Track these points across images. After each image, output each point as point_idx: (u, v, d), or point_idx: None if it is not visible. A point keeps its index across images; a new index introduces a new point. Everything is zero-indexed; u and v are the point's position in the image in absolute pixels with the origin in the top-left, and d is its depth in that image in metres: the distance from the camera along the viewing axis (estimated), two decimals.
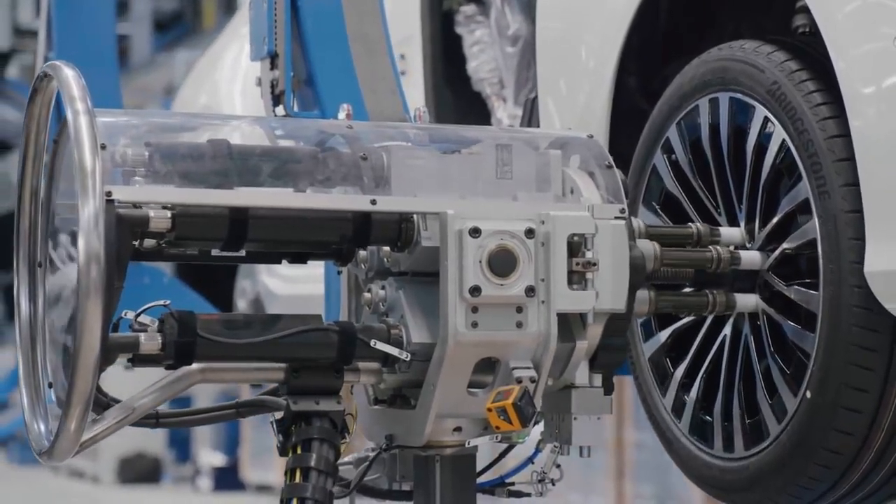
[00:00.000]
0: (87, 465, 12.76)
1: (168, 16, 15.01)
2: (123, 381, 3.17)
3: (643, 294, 2.85)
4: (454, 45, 3.90)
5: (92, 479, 12.73)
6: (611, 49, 3.19)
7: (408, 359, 2.65)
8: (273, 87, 3.25)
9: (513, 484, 2.91)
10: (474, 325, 2.62)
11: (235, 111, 4.72)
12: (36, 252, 2.76)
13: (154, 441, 12.51)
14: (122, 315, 2.59)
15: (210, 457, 12.13)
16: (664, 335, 3.15)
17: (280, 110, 3.25)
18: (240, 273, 4.98)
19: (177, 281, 4.56)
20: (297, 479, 2.61)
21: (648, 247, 2.84)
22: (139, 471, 12.52)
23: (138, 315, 2.59)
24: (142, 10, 14.60)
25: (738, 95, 2.95)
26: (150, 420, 2.69)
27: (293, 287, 4.49)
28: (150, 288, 4.11)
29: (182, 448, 12.62)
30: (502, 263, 2.62)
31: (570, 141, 2.86)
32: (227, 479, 11.77)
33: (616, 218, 2.72)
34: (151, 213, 2.55)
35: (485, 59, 3.80)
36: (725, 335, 3.00)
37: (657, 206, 3.15)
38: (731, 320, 2.99)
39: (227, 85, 4.95)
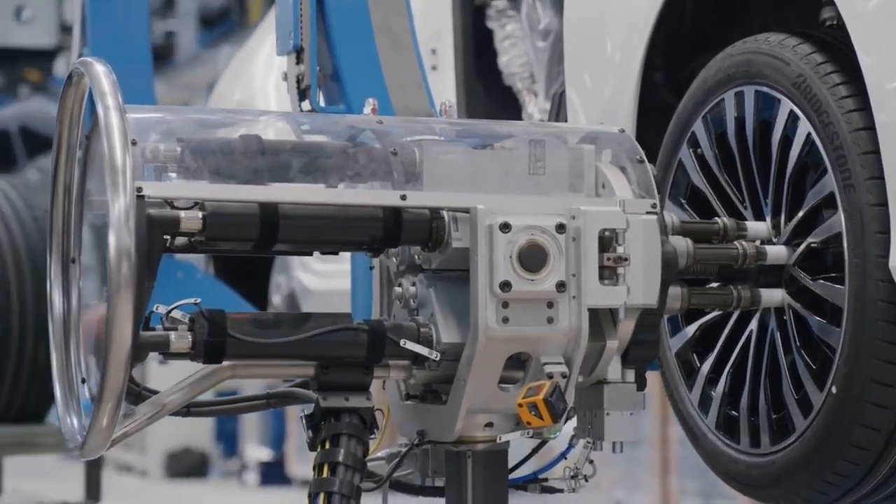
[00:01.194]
0: (136, 460, 12.84)
1: (215, 12, 15.08)
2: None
3: (675, 290, 2.83)
4: (485, 39, 3.90)
5: (140, 473, 12.81)
6: (637, 43, 3.19)
7: (437, 358, 2.65)
8: (299, 81, 3.25)
9: (546, 480, 2.90)
10: (505, 320, 2.61)
11: (269, 106, 4.73)
12: (69, 248, 2.77)
13: (201, 436, 12.58)
14: (154, 309, 2.60)
15: (256, 452, 12.19)
16: (690, 329, 3.14)
17: (306, 105, 3.25)
18: (275, 268, 4.99)
19: (210, 276, 4.57)
20: (325, 473, 2.61)
21: (681, 243, 2.83)
22: (186, 465, 12.60)
23: (169, 311, 2.59)
24: (188, 6, 14.67)
25: (764, 89, 2.93)
26: (183, 409, 2.70)
27: (327, 283, 4.49)
28: (184, 283, 4.12)
29: (229, 443, 12.69)
30: (533, 258, 2.62)
31: (601, 135, 2.85)
32: (274, 473, 11.83)
33: (648, 213, 2.71)
34: (182, 214, 2.55)
35: (516, 54, 3.79)
36: (752, 330, 2.99)
37: (683, 201, 3.14)
38: (757, 315, 2.98)
39: (261, 80, 4.96)
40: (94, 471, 5.18)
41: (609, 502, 9.07)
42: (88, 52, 4.27)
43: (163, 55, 14.08)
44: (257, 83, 5.01)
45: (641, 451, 8.85)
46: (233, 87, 5.32)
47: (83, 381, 2.71)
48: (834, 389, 2.78)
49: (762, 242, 2.92)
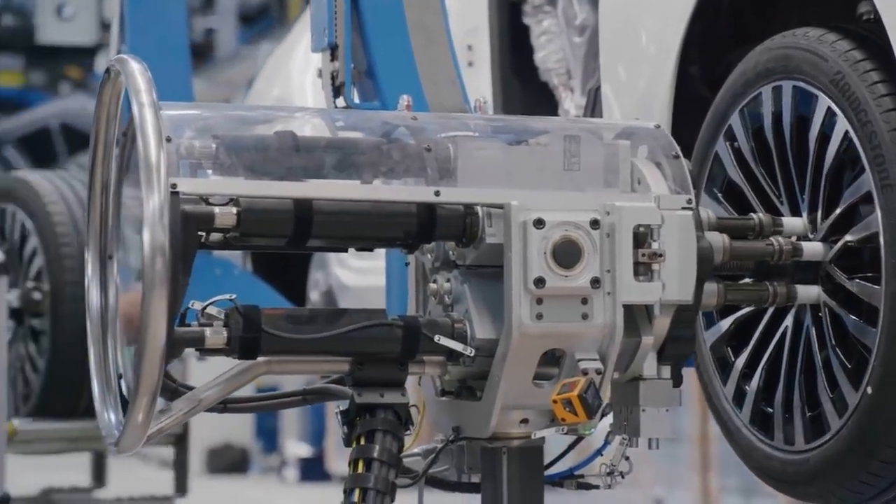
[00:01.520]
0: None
1: (254, 9, 15.13)
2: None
3: (711, 286, 2.82)
4: (521, 35, 3.89)
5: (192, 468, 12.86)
6: (673, 37, 3.17)
7: (472, 354, 2.65)
8: (333, 78, 3.25)
9: (582, 476, 2.89)
10: (539, 316, 2.61)
11: (307, 103, 4.73)
12: (106, 244, 2.78)
13: (242, 432, 12.62)
14: (190, 305, 2.61)
15: (296, 448, 12.23)
16: (725, 324, 3.13)
17: (340, 102, 3.25)
18: (312, 265, 5.00)
19: (248, 273, 4.58)
20: (360, 469, 2.61)
21: (717, 238, 2.81)
22: (227, 461, 12.65)
23: (205, 307, 2.60)
24: (227, 3, 14.73)
25: (802, 84, 2.92)
26: (219, 406, 2.71)
27: (364, 279, 4.49)
28: (221, 279, 4.13)
29: (269, 439, 12.73)
30: (567, 254, 2.61)
31: (637, 131, 2.84)
32: (313, 469, 11.87)
33: (683, 209, 2.69)
34: (217, 210, 2.56)
35: (552, 50, 3.79)
36: (787, 326, 2.97)
37: (719, 194, 3.12)
38: (792, 311, 2.96)
39: (299, 77, 4.96)
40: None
41: (648, 500, 9.05)
42: (127, 49, 4.28)
43: (203, 52, 14.13)
44: (295, 80, 5.02)
45: (681, 448, 8.83)
46: (271, 84, 5.33)
47: (120, 376, 2.72)
48: (869, 390, 2.76)
49: (798, 239, 2.90)
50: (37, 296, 4.71)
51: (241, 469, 12.63)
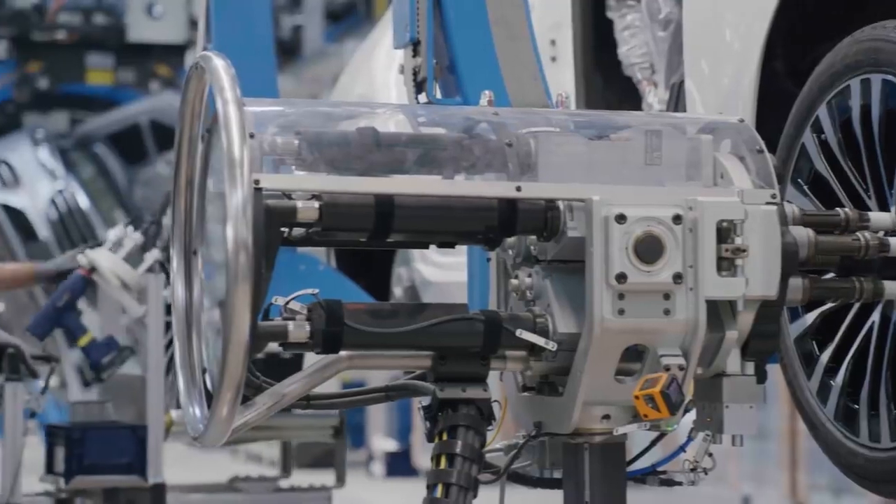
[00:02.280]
0: (265, 450, 12.98)
1: (341, 6, 15.20)
2: None
3: (796, 281, 2.79)
4: (605, 30, 3.88)
5: (269, 463, 12.95)
6: (758, 31, 3.15)
7: (554, 349, 2.64)
8: (415, 74, 3.26)
9: (664, 472, 2.88)
10: (621, 312, 2.60)
11: (390, 99, 4.75)
12: (191, 240, 2.81)
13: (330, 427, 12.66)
14: (273, 301, 2.63)
15: (383, 443, 12.27)
16: (810, 317, 3.10)
17: (422, 97, 3.26)
18: (396, 261, 5.02)
19: (331, 269, 4.60)
20: (443, 464, 2.62)
21: (802, 233, 2.79)
22: (315, 456, 12.70)
23: (288, 302, 2.62)
24: (315, 1, 14.81)
25: (891, 77, 2.88)
26: (302, 402, 2.72)
27: (447, 274, 4.50)
28: (306, 276, 4.15)
29: (356, 434, 12.78)
30: (649, 250, 2.60)
31: (720, 125, 2.83)
32: (400, 464, 11.90)
33: (767, 203, 2.67)
34: (299, 205, 2.57)
35: (636, 44, 3.77)
36: (874, 321, 2.94)
37: (805, 187, 3.09)
38: (879, 306, 2.92)
39: (382, 74, 4.98)
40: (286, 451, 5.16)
41: (736, 497, 8.99)
42: (213, 47, 4.32)
43: (290, 50, 14.21)
44: (378, 77, 5.04)
45: (769, 444, 8.76)
46: (354, 81, 5.35)
47: (205, 371, 2.74)
48: None
49: (886, 233, 2.87)
50: None
51: (329, 464, 12.70)
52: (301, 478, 5.44)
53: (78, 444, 4.25)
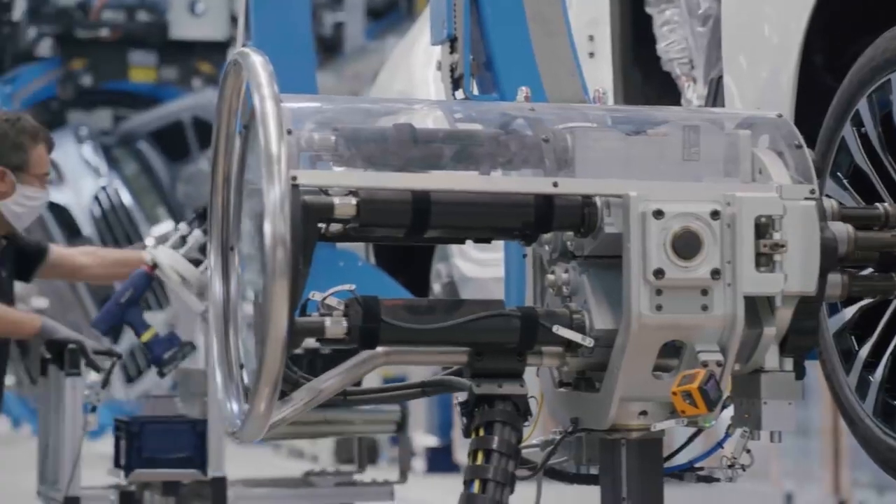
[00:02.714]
0: (306, 446, 13.04)
1: (382, 3, 15.22)
2: None
3: (835, 277, 2.78)
4: (643, 25, 3.86)
5: (311, 458, 13.01)
6: (796, 25, 3.13)
7: (590, 345, 2.64)
8: (452, 70, 3.25)
9: (702, 469, 2.87)
10: (658, 307, 2.59)
11: (429, 96, 4.75)
12: (228, 235, 2.82)
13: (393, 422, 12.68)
14: (310, 297, 2.63)
15: (424, 439, 12.28)
16: (849, 312, 3.08)
17: (459, 94, 3.26)
18: (435, 257, 5.02)
19: (371, 265, 4.60)
20: (480, 460, 2.62)
21: (842, 229, 2.78)
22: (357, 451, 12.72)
23: (325, 298, 2.62)
24: None
25: None
26: (339, 397, 2.73)
27: (485, 271, 4.50)
28: (345, 272, 4.15)
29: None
30: (686, 245, 2.60)
31: (758, 120, 2.82)
32: (441, 460, 11.90)
33: (806, 199, 2.66)
34: (336, 201, 2.57)
35: (674, 39, 3.75)
36: None
37: (844, 181, 3.08)
38: None
39: (421, 70, 4.98)
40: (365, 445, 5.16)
41: (779, 494, 8.95)
42: (252, 43, 4.33)
43: (331, 46, 14.24)
44: (417, 74, 5.03)
45: (812, 441, 8.72)
46: (393, 77, 5.36)
47: (242, 366, 2.75)
48: None
49: None
50: None
51: (370, 460, 12.73)
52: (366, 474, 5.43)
53: (137, 438, 4.29)
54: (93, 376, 4.33)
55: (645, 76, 3.89)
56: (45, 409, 4.44)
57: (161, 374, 4.58)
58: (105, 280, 5.18)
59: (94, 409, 4.25)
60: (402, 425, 4.88)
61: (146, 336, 4.47)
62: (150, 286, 4.54)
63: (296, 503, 4.80)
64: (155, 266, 4.45)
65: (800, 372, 2.72)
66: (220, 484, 4.22)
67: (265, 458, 13.06)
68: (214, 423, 4.16)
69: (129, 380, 9.93)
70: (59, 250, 4.63)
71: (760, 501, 8.88)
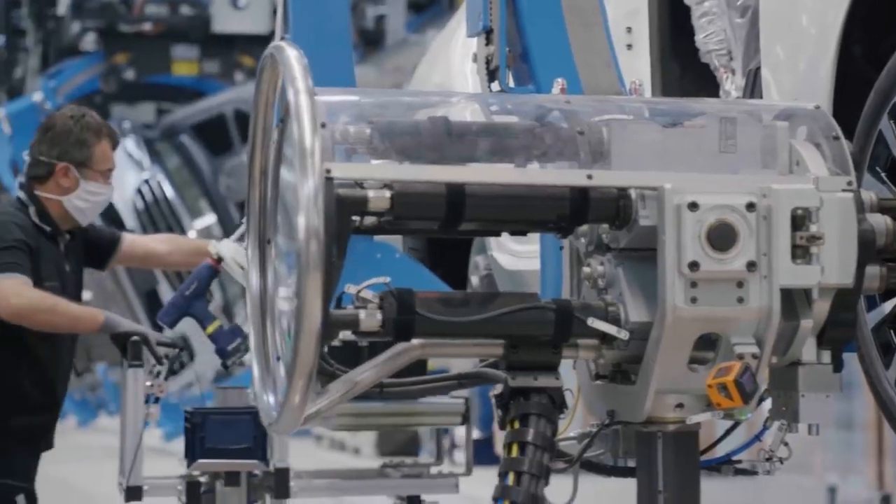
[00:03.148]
0: (348, 438, 13.08)
1: None
2: None
3: (874, 269, 2.76)
4: (682, 16, 3.84)
5: (353, 450, 13.05)
6: (835, 16, 3.11)
7: (626, 337, 2.63)
8: (488, 62, 3.25)
9: (739, 462, 2.86)
10: (693, 300, 2.59)
11: (467, 89, 4.74)
12: (265, 229, 2.83)
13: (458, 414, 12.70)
14: (345, 290, 2.63)
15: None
16: (888, 306, 3.05)
17: (495, 86, 3.25)
18: (473, 249, 5.01)
19: (408, 257, 4.60)
20: (514, 453, 2.62)
21: (880, 221, 2.76)
22: (398, 443, 12.76)
23: (359, 291, 2.62)
24: None
25: None
26: (375, 390, 2.73)
27: (523, 263, 4.49)
28: (382, 264, 4.15)
29: None
30: (722, 238, 2.59)
31: (796, 112, 2.80)
32: (483, 452, 11.87)
33: (843, 190, 2.65)
34: (371, 194, 2.58)
35: (713, 31, 3.73)
36: None
37: (882, 173, 3.05)
38: None
39: (459, 63, 4.97)
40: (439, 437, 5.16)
41: (822, 487, 8.91)
42: (290, 37, 4.33)
43: (373, 40, 14.25)
44: (456, 66, 5.03)
45: (855, 434, 8.67)
46: (432, 70, 5.35)
47: (278, 358, 2.76)
48: None
49: None
50: None
51: (412, 451, 12.75)
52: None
53: (199, 429, 4.31)
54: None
55: (683, 68, 3.87)
56: (124, 402, 4.47)
57: (225, 367, 4.61)
58: (182, 267, 5.22)
59: (156, 401, 4.28)
60: (466, 417, 4.88)
61: (211, 328, 4.49)
62: (214, 279, 4.56)
63: (360, 494, 4.82)
64: (220, 259, 4.48)
65: (837, 364, 2.71)
66: (283, 475, 4.24)
67: (307, 450, 13.12)
68: None
69: (173, 373, 9.97)
70: (132, 238, 4.67)
71: (803, 495, 8.84)
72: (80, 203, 4.28)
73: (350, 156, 2.65)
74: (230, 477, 4.29)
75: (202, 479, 4.29)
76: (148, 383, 4.24)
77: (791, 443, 2.77)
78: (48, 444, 4.28)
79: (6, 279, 4.07)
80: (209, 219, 11.35)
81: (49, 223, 4.24)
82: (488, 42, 3.27)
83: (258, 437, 4.24)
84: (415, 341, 2.65)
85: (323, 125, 2.55)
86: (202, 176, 11.40)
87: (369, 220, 2.63)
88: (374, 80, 12.86)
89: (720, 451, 2.94)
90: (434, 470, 4.69)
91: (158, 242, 4.84)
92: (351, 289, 2.62)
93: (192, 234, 10.56)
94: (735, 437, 2.90)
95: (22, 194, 4.29)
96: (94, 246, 4.46)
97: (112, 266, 4.70)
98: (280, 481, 4.21)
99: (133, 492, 4.19)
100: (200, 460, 4.23)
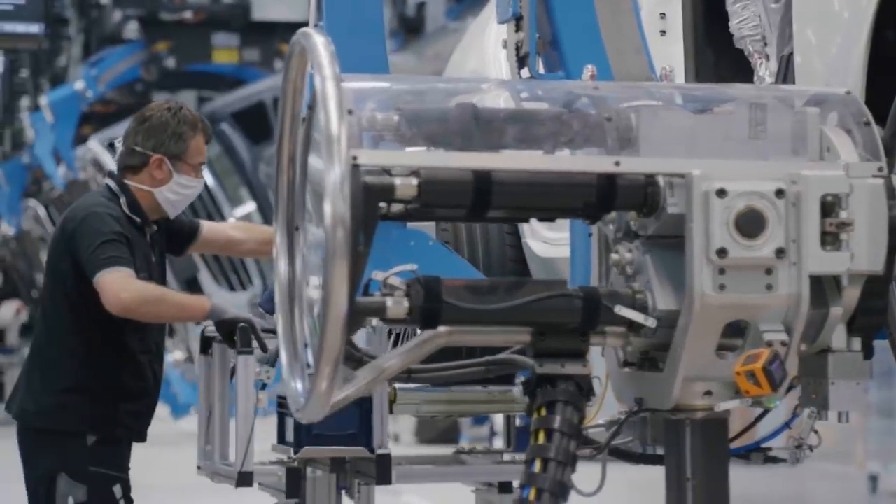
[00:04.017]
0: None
1: None
2: None
3: None
4: (716, 2, 3.82)
5: (392, 438, 13.09)
6: (868, 1, 3.08)
7: (653, 325, 2.62)
8: (518, 49, 3.24)
9: (769, 449, 2.84)
10: (721, 287, 2.57)
11: (501, 75, 4.73)
12: (293, 215, 2.83)
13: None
14: (372, 277, 2.63)
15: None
16: None
17: (525, 72, 3.24)
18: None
19: (442, 245, 4.59)
20: (541, 440, 2.61)
21: None
22: (438, 431, 12.77)
23: (387, 278, 2.62)
24: None
25: None
26: (403, 375, 2.73)
27: (556, 250, 4.48)
28: (415, 251, 4.15)
29: None
30: (750, 224, 2.57)
31: (827, 97, 2.78)
32: (522, 440, 11.87)
33: (874, 177, 2.63)
34: (397, 181, 2.57)
35: (747, 16, 3.70)
36: None
37: None
38: None
39: (493, 49, 4.96)
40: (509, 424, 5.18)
41: (863, 476, 8.86)
42: (324, 24, 4.33)
43: (414, 27, 14.26)
44: (490, 53, 5.02)
45: None
46: (466, 56, 5.34)
47: (306, 345, 2.76)
48: None
49: None
50: None
51: (451, 439, 12.76)
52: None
53: None
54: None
55: (717, 54, 3.85)
56: (206, 388, 4.48)
57: None
58: (255, 255, 5.27)
59: (264, 387, 4.29)
60: None
61: None
62: None
63: (456, 480, 4.83)
64: None
65: (868, 352, 2.69)
66: (385, 461, 4.24)
67: None
68: (378, 401, 4.20)
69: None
70: (209, 225, 4.69)
71: (845, 483, 8.80)
72: (171, 195, 4.28)
73: (377, 143, 2.64)
74: (335, 463, 4.30)
75: (296, 465, 4.31)
76: (257, 370, 4.24)
77: (832, 432, 2.75)
78: (142, 436, 4.29)
79: (111, 273, 4.04)
80: (249, 206, 11.38)
81: (139, 213, 4.24)
82: (518, 28, 3.26)
83: (362, 424, 4.25)
84: (442, 328, 2.65)
85: (350, 112, 2.55)
86: (242, 164, 11.43)
87: (396, 208, 2.63)
88: (414, 66, 12.87)
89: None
90: (507, 457, 4.69)
91: (235, 230, 4.86)
92: (378, 276, 2.62)
93: (231, 221, 10.58)
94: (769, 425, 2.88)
95: (112, 183, 4.26)
96: (176, 234, 4.48)
97: (189, 252, 4.71)
98: (382, 467, 4.21)
99: (245, 477, 4.21)
100: (307, 447, 4.23)
